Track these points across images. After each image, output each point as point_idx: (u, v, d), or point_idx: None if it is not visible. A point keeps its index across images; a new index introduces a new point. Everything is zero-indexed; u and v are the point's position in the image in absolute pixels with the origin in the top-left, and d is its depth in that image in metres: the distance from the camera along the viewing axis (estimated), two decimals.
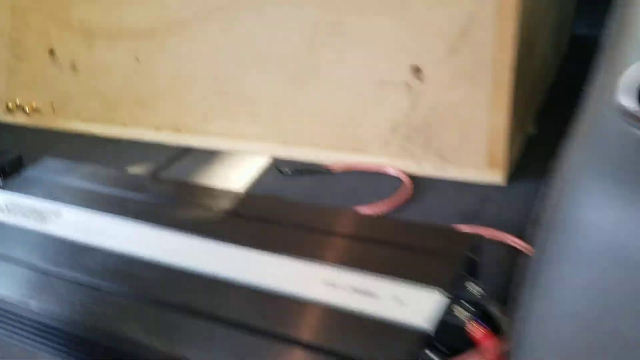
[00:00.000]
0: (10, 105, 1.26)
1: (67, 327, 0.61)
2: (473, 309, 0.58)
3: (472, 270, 0.63)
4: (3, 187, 0.83)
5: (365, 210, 0.83)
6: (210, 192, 0.80)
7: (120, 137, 1.14)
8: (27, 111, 1.25)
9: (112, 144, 1.13)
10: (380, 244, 0.65)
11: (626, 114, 0.37)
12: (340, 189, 0.90)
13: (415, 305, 0.56)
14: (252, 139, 1.02)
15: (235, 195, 0.78)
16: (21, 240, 0.72)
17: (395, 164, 0.91)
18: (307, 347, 0.53)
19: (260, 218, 0.72)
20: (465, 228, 0.74)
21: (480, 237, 0.65)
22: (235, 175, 0.97)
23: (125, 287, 0.62)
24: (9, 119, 1.28)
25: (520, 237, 0.73)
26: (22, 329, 0.64)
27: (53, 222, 0.74)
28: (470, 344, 0.55)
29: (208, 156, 1.04)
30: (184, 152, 1.06)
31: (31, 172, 0.88)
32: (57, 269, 0.66)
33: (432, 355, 0.53)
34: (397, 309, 0.56)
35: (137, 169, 1.02)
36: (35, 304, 0.62)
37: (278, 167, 0.96)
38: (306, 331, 0.55)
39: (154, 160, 1.04)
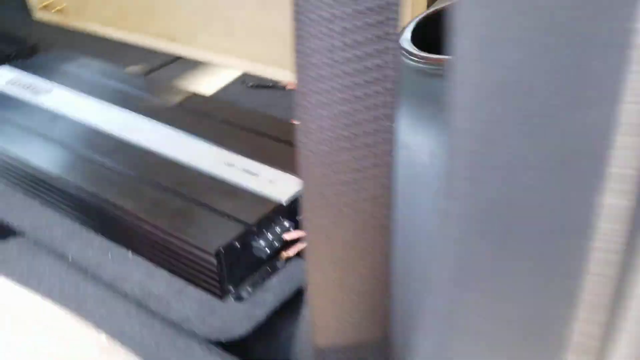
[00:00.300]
0: (43, 4, 1.46)
1: (37, 172, 0.81)
2: None
3: None
4: (12, 66, 1.03)
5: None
6: (174, 90, 0.98)
7: (126, 40, 1.33)
8: (57, 11, 1.44)
9: (119, 46, 1.32)
10: (280, 142, 0.82)
11: (402, 49, 0.52)
12: (288, 104, 1.05)
13: (283, 186, 0.73)
14: (228, 54, 1.18)
15: (190, 94, 0.96)
16: (14, 107, 0.92)
17: None
18: (200, 204, 0.71)
19: (201, 113, 0.89)
20: None
21: None
22: (208, 83, 1.14)
23: (83, 149, 0.82)
24: (41, 16, 1.48)
25: None
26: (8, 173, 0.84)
27: (43, 96, 0.94)
28: None
29: (193, 65, 1.21)
30: (175, 60, 1.24)
31: (41, 57, 1.08)
32: (34, 128, 0.86)
33: (286, 223, 0.71)
34: (269, 187, 0.73)
35: (133, 69, 1.20)
36: (12, 152, 0.82)
37: (243, 80, 1.13)
38: (202, 194, 0.73)
39: (150, 63, 1.22)
